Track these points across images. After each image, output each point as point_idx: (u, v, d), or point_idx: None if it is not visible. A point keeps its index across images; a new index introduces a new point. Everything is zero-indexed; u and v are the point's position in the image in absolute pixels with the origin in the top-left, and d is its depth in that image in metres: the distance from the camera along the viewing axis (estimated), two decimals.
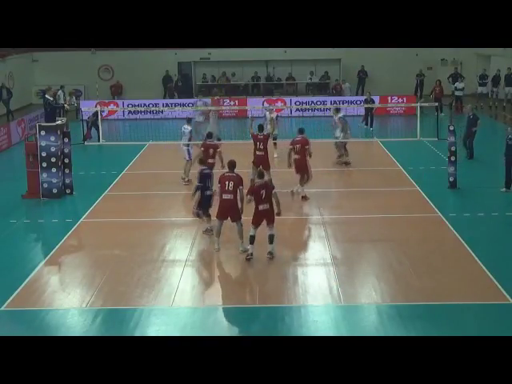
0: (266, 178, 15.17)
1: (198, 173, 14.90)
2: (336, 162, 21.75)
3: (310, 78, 36.42)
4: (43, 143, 18.31)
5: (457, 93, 31.92)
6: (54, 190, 18.48)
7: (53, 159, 18.37)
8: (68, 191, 18.91)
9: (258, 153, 18.32)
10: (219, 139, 22.81)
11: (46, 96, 19.20)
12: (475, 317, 11.32)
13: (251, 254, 13.66)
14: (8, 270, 13.59)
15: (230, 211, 13.96)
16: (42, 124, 18.89)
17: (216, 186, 14.40)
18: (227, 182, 13.86)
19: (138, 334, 10.77)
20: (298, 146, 17.76)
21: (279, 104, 31.46)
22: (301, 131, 18.33)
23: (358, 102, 30.61)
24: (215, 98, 26.91)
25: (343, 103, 29.30)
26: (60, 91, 30.67)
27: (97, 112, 23.16)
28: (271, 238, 13.81)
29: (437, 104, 23.40)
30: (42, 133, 18.34)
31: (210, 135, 18.95)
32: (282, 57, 35.44)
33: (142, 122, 28.72)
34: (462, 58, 36.03)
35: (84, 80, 36.38)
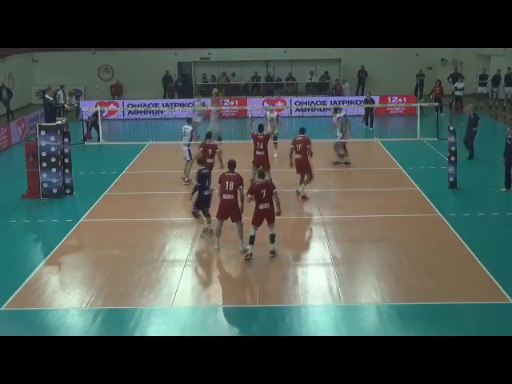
0: (267, 177, 15.16)
1: (197, 173, 14.92)
2: (333, 163, 21.67)
3: (310, 78, 36.42)
4: (43, 143, 18.31)
5: (457, 93, 31.93)
6: (54, 190, 18.48)
7: (53, 159, 18.37)
8: (68, 191, 18.91)
9: (257, 153, 18.33)
10: (220, 138, 22.86)
11: (46, 96, 19.20)
12: (475, 317, 11.32)
13: (250, 255, 13.66)
14: (8, 270, 13.60)
15: (231, 211, 13.96)
16: (42, 124, 18.89)
17: (216, 186, 14.40)
18: (227, 182, 13.85)
19: (137, 333, 10.77)
20: (299, 145, 17.76)
21: (279, 104, 31.45)
22: (302, 131, 18.33)
23: (358, 102, 30.61)
24: (214, 92, 26.77)
25: (343, 103, 29.27)
26: (60, 91, 30.65)
27: (97, 112, 23.15)
28: (272, 238, 13.82)
29: (437, 104, 23.38)
30: (42, 133, 18.34)
31: (209, 135, 18.96)
32: (281, 57, 35.44)
33: (142, 122, 28.73)
34: (462, 58, 36.04)
35: (84, 80, 36.38)
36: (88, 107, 27.93)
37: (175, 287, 12.56)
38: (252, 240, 13.65)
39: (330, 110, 24.93)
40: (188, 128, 19.84)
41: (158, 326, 11.15)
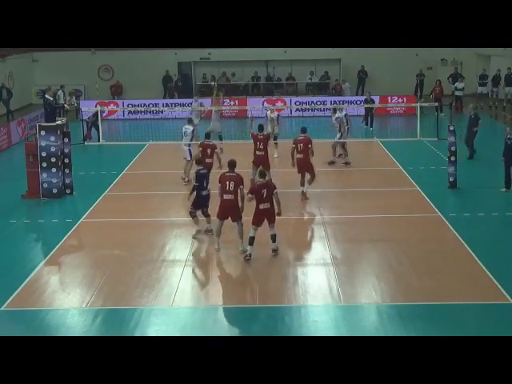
0: (267, 177, 15.15)
1: (195, 173, 14.94)
2: (328, 162, 21.59)
3: (310, 78, 36.42)
4: (43, 143, 18.31)
5: (457, 93, 31.94)
6: (54, 190, 18.48)
7: (53, 159, 18.37)
8: (68, 191, 18.91)
9: (257, 153, 18.33)
10: (221, 137, 22.86)
11: (46, 96, 19.20)
12: (475, 317, 11.32)
13: (250, 255, 13.64)
14: (8, 270, 13.59)
15: (231, 211, 13.96)
16: (42, 124, 18.89)
17: (215, 186, 14.40)
18: (228, 182, 13.84)
19: (138, 333, 10.77)
20: (300, 144, 17.75)
21: (279, 104, 31.45)
22: (303, 130, 18.31)
23: (358, 102, 30.62)
24: (215, 90, 26.72)
25: (343, 103, 29.29)
26: (60, 91, 30.65)
27: (97, 112, 23.16)
28: (274, 238, 13.83)
29: (437, 104, 23.38)
30: (42, 133, 18.34)
31: (207, 135, 18.96)
32: (282, 57, 35.44)
33: (142, 122, 28.73)
34: (462, 58, 36.04)
35: (84, 80, 36.39)
36: (88, 107, 27.93)
37: (175, 287, 12.56)
38: (252, 241, 13.63)
39: (329, 110, 24.90)
40: (189, 128, 19.85)
41: (157, 325, 11.15)
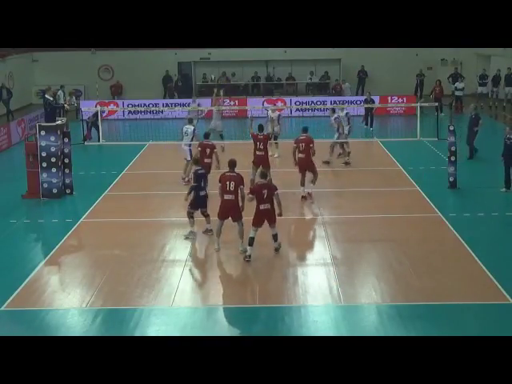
0: (267, 178, 15.15)
1: (193, 173, 14.96)
2: (323, 162, 21.52)
3: (310, 78, 36.43)
4: (43, 143, 18.31)
5: (457, 93, 31.95)
6: (54, 190, 18.48)
7: (53, 159, 18.37)
8: (68, 191, 18.91)
9: (257, 153, 18.33)
10: (222, 136, 22.85)
11: (46, 96, 19.20)
12: (475, 317, 11.32)
13: (249, 256, 13.63)
14: (8, 269, 13.59)
15: (232, 211, 13.96)
16: (42, 124, 18.89)
17: (216, 186, 14.39)
18: (228, 182, 13.84)
19: (137, 333, 10.77)
20: (302, 144, 17.74)
21: (279, 104, 31.44)
22: (305, 130, 18.29)
23: (358, 102, 30.61)
24: (215, 90, 26.71)
25: (343, 103, 29.28)
26: (60, 91, 30.65)
27: (97, 112, 23.16)
28: (275, 237, 13.83)
29: (437, 104, 23.37)
30: (42, 133, 18.34)
31: (207, 135, 18.94)
32: (282, 57, 35.45)
33: (142, 122, 28.73)
34: (462, 58, 36.04)
35: (84, 80, 36.39)
36: (88, 107, 27.95)
37: (175, 287, 12.56)
38: (251, 242, 13.62)
39: (329, 110, 24.89)
40: (190, 128, 19.84)
41: (157, 325, 11.14)
